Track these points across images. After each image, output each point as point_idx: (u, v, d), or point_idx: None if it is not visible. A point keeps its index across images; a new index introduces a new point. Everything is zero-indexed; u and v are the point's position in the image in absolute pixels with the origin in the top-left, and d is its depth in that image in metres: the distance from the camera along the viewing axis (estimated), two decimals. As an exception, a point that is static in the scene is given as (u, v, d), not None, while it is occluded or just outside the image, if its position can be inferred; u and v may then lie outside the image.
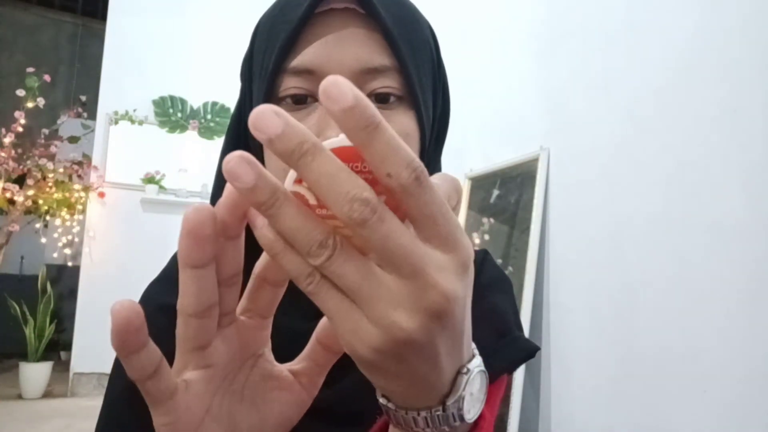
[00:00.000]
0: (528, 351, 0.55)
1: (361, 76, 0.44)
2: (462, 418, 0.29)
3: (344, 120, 0.22)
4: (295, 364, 0.34)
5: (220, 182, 0.51)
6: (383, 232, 0.23)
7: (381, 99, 0.45)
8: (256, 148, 0.49)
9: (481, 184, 2.21)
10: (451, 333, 0.26)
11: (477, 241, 2.12)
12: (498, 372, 0.51)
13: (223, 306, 0.29)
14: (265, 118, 0.23)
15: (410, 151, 0.23)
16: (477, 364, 0.30)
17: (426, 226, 0.24)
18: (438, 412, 0.28)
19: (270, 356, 0.34)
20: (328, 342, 0.33)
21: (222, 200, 0.27)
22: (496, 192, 2.08)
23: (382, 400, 0.30)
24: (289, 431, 0.34)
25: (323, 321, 0.33)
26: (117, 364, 0.53)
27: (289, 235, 0.24)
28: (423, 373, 0.27)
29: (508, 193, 2.01)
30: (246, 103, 0.51)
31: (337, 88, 0.22)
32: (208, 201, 0.52)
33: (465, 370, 0.29)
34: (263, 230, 0.25)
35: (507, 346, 0.54)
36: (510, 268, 1.87)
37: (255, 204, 0.24)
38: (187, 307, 0.27)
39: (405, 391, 0.28)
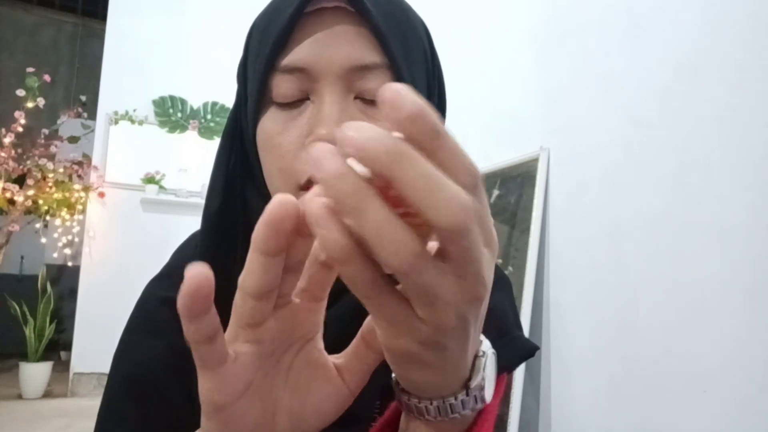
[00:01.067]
0: (527, 350, 0.55)
1: (351, 74, 0.45)
2: (483, 400, 0.30)
3: (409, 128, 0.22)
4: (339, 357, 0.34)
5: (214, 183, 0.51)
6: (475, 240, 0.23)
7: (371, 97, 0.45)
8: (251, 150, 0.49)
9: (481, 184, 2.21)
10: (479, 319, 0.27)
11: (477, 241, 2.12)
12: (498, 370, 0.52)
13: (282, 289, 0.29)
14: (359, 129, 0.22)
15: (469, 158, 0.24)
16: (488, 345, 0.31)
17: (481, 232, 0.25)
18: (462, 397, 0.29)
19: (319, 344, 0.33)
20: (372, 341, 0.32)
21: (310, 196, 0.26)
22: (496, 192, 2.08)
23: (403, 397, 0.31)
24: (326, 425, 0.33)
25: (368, 320, 0.32)
26: (116, 357, 0.53)
27: (374, 235, 0.22)
28: (455, 360, 0.27)
29: (508, 193, 2.01)
30: (242, 104, 0.51)
31: (399, 95, 0.22)
32: (204, 201, 0.53)
33: (481, 353, 0.30)
34: (335, 233, 0.23)
35: (506, 344, 0.53)
36: (510, 268, 1.87)
37: (341, 195, 0.22)
38: (248, 287, 0.27)
39: (434, 380, 0.28)
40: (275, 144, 0.46)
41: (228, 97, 4.21)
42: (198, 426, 0.32)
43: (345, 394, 0.33)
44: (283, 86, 0.45)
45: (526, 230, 1.82)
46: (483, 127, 2.29)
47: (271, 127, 0.46)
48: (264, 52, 0.46)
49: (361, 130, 0.22)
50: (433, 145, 0.23)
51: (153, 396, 0.50)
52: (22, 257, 5.00)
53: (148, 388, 0.50)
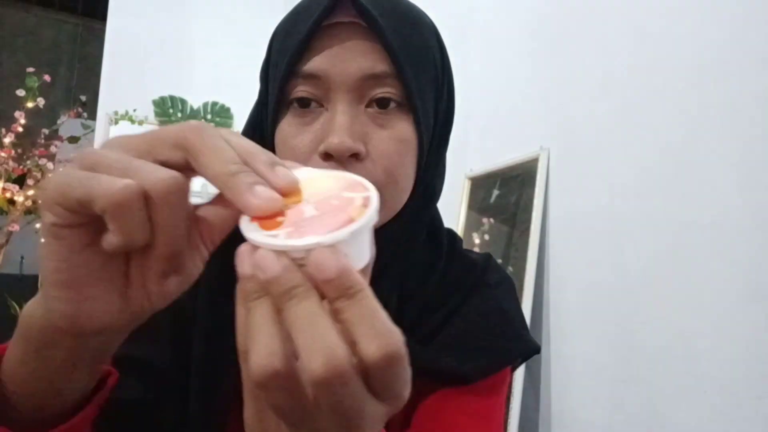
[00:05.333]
0: (529, 349, 0.59)
1: (362, 83, 0.49)
2: None
3: (327, 284, 0.24)
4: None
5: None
6: (341, 395, 0.24)
7: (381, 105, 0.50)
8: (269, 148, 0.53)
9: (481, 184, 2.21)
10: None
11: (477, 241, 2.12)
12: (500, 364, 0.56)
13: None
14: (266, 259, 0.24)
15: (387, 325, 0.24)
16: None
17: (378, 390, 0.25)
18: None
19: None
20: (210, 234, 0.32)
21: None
22: (496, 192, 2.08)
23: None
24: (95, 330, 0.31)
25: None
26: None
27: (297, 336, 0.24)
28: None
29: (508, 193, 2.01)
30: (262, 104, 0.56)
31: (322, 260, 0.24)
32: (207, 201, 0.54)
33: None
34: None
35: (510, 341, 0.57)
36: (510, 268, 1.87)
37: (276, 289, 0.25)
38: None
39: None
40: (290, 146, 0.50)
41: (228, 97, 4.21)
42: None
43: (122, 298, 0.31)
44: (299, 92, 0.50)
45: (526, 230, 1.82)
46: (483, 127, 2.29)
47: (287, 130, 0.51)
48: (284, 60, 0.50)
49: (266, 259, 0.24)
50: (347, 303, 0.24)
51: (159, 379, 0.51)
52: (22, 257, 5.00)
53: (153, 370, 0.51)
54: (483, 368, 0.54)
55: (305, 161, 0.48)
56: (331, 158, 0.47)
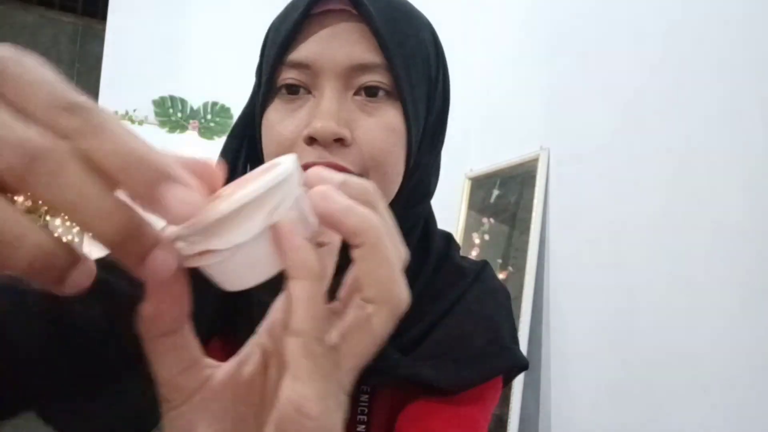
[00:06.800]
0: (517, 362, 0.55)
1: (351, 71, 0.48)
2: None
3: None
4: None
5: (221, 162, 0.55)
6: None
7: (370, 93, 0.49)
8: (259, 138, 0.53)
9: (481, 184, 2.21)
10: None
11: (477, 241, 2.12)
12: (484, 376, 0.53)
13: None
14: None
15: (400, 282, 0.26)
16: None
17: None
18: None
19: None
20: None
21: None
22: (496, 192, 2.08)
23: None
24: None
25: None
26: None
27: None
28: None
29: (508, 193, 2.00)
30: (256, 99, 0.55)
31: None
32: None
33: None
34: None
35: (496, 354, 0.54)
36: (510, 268, 1.87)
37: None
38: None
39: None
40: (276, 132, 0.49)
41: (228, 97, 4.21)
42: None
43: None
44: (288, 79, 0.49)
45: (526, 230, 1.82)
46: (483, 127, 2.29)
47: (274, 116, 0.50)
48: (275, 48, 0.50)
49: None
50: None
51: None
52: (22, 257, 4.99)
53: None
54: (464, 380, 0.51)
55: (290, 146, 0.48)
56: (316, 142, 0.46)
